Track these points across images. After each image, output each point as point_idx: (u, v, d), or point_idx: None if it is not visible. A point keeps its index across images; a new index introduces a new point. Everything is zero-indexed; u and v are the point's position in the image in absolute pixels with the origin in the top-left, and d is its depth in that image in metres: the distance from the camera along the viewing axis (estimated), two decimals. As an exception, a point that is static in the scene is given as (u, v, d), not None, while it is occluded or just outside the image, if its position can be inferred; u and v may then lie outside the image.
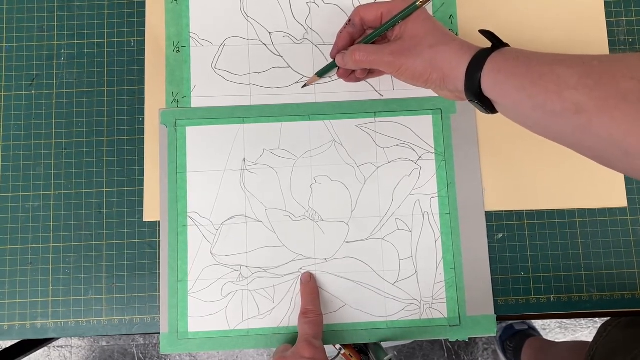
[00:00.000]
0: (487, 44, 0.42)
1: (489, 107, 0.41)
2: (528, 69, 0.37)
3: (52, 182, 0.54)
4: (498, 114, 0.42)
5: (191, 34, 0.55)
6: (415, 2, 0.44)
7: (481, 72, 0.39)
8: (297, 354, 0.45)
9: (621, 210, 0.54)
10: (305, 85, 0.55)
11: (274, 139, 0.54)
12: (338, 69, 0.52)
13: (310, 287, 0.51)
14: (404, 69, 0.44)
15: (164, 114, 0.54)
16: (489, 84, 0.39)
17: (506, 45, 0.41)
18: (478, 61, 0.40)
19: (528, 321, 1.19)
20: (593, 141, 0.34)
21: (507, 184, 0.54)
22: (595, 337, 0.64)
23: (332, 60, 0.52)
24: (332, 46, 0.52)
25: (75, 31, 0.56)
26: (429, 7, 0.56)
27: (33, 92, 0.55)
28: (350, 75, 0.52)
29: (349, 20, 0.49)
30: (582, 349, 0.76)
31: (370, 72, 0.52)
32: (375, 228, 0.53)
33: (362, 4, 0.55)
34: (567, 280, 0.53)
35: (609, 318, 0.64)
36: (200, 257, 0.52)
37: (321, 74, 0.54)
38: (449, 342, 1.25)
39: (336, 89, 0.55)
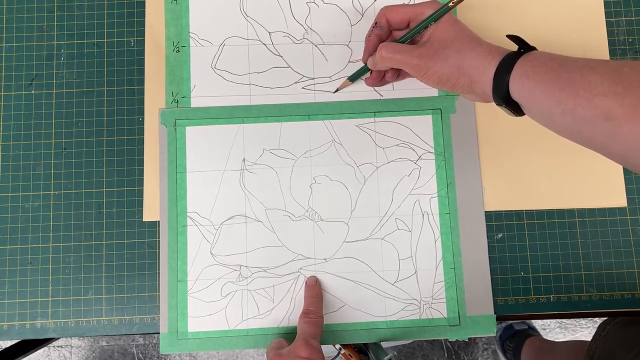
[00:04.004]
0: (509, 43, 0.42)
1: (517, 110, 0.41)
2: (558, 75, 0.37)
3: (52, 182, 0.54)
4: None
5: (191, 34, 0.55)
6: (447, 3, 0.44)
7: (509, 76, 0.39)
8: (294, 352, 0.45)
9: (621, 210, 0.54)
10: (337, 90, 0.54)
11: (273, 139, 0.54)
12: (370, 72, 0.52)
13: (315, 290, 0.51)
14: (431, 73, 0.44)
15: (163, 114, 0.54)
16: (517, 88, 0.39)
17: (533, 48, 0.41)
18: (506, 66, 0.40)
19: (528, 321, 1.19)
20: (622, 147, 0.34)
21: (506, 184, 0.54)
22: (594, 337, 0.64)
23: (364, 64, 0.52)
24: (332, 46, 0.52)
25: (75, 31, 0.56)
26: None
27: (33, 92, 0.55)
28: (381, 80, 0.52)
29: (375, 23, 0.49)
30: (581, 348, 0.76)
31: (398, 76, 0.52)
32: (374, 228, 0.53)
33: (362, 4, 0.56)
34: (567, 280, 0.53)
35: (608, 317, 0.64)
36: (200, 257, 0.52)
37: (353, 78, 0.53)
38: (449, 342, 1.25)
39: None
